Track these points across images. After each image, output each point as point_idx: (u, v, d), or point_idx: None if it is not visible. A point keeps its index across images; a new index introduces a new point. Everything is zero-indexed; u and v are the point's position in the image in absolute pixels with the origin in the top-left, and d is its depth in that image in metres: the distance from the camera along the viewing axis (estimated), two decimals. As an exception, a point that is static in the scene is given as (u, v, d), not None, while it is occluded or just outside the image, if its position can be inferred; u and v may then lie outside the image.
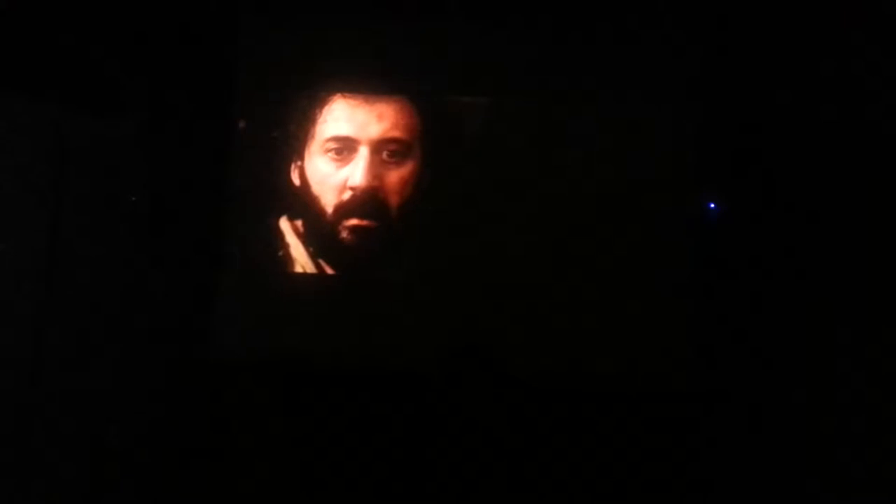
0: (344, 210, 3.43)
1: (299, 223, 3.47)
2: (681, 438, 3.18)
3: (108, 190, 3.37)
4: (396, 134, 3.43)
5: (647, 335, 3.29)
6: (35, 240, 3.26)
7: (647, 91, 3.39)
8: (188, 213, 3.42)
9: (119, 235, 3.37)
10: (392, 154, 3.42)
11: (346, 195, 3.43)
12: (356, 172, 3.42)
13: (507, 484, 3.09)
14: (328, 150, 3.46)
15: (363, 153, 3.43)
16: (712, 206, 3.32)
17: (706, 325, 3.25)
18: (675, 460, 3.16)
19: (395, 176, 3.42)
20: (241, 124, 3.51)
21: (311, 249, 3.46)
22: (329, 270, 3.46)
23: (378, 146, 3.42)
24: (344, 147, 3.45)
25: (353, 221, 3.42)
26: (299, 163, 3.49)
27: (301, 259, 3.46)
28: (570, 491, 3.15)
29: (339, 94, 3.48)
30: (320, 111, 3.49)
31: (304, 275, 3.45)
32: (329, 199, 3.44)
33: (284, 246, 3.46)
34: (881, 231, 3.01)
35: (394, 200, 3.42)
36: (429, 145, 3.45)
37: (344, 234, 3.43)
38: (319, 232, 3.45)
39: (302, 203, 3.47)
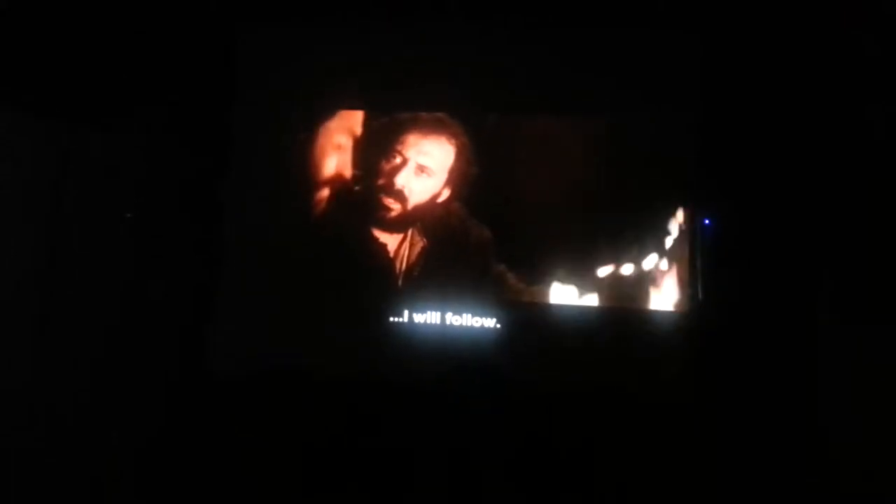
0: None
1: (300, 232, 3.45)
2: (682, 447, 3.09)
3: (108, 201, 3.36)
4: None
5: (649, 344, 3.24)
6: (34, 250, 3.24)
7: (647, 94, 3.37)
8: (187, 224, 3.40)
9: (118, 246, 3.35)
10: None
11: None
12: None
13: (510, 494, 3.01)
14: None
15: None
16: (707, 222, 3.30)
17: (706, 332, 3.20)
18: (676, 468, 3.06)
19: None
20: (241, 134, 3.52)
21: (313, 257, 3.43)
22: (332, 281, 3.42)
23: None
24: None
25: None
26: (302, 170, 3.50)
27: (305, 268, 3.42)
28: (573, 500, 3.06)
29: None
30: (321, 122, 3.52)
31: (307, 285, 3.40)
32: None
33: (285, 255, 3.43)
34: (881, 234, 3.02)
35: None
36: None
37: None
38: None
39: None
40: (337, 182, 3.47)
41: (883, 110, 3.03)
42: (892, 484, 2.79)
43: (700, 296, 3.25)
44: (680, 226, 3.30)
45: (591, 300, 3.30)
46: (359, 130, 3.49)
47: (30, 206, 3.27)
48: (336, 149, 3.49)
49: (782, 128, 3.21)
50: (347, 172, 3.47)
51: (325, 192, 3.46)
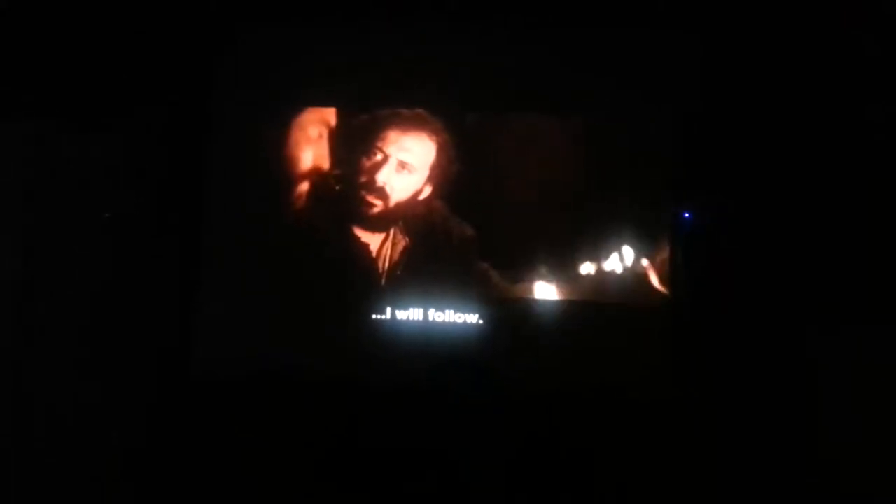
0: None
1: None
2: (667, 440, 3.15)
3: (88, 203, 3.31)
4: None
5: (633, 339, 3.26)
6: (12, 257, 3.24)
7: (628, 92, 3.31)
8: (168, 228, 3.36)
9: (99, 249, 3.32)
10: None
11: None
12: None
13: (494, 491, 3.07)
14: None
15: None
16: (686, 215, 3.28)
17: (690, 326, 3.22)
18: (663, 463, 3.13)
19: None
20: (218, 135, 3.42)
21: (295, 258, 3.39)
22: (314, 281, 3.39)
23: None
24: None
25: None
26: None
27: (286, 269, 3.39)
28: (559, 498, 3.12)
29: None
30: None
31: (289, 286, 3.37)
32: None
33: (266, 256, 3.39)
34: (870, 235, 3.04)
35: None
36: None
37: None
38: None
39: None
40: (315, 177, 3.38)
41: (883, 110, 2.95)
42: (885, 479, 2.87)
43: (683, 290, 3.25)
44: (663, 220, 3.29)
45: (575, 296, 3.30)
46: (333, 121, 3.40)
47: (7, 208, 3.26)
48: (311, 142, 3.40)
49: (773, 124, 3.15)
50: (325, 167, 3.39)
51: (304, 189, 3.39)
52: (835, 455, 3.01)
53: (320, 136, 3.42)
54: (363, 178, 3.35)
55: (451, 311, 3.33)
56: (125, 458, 3.20)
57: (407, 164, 3.35)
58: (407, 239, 3.35)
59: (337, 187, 3.38)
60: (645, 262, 3.29)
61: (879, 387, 2.98)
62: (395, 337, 3.33)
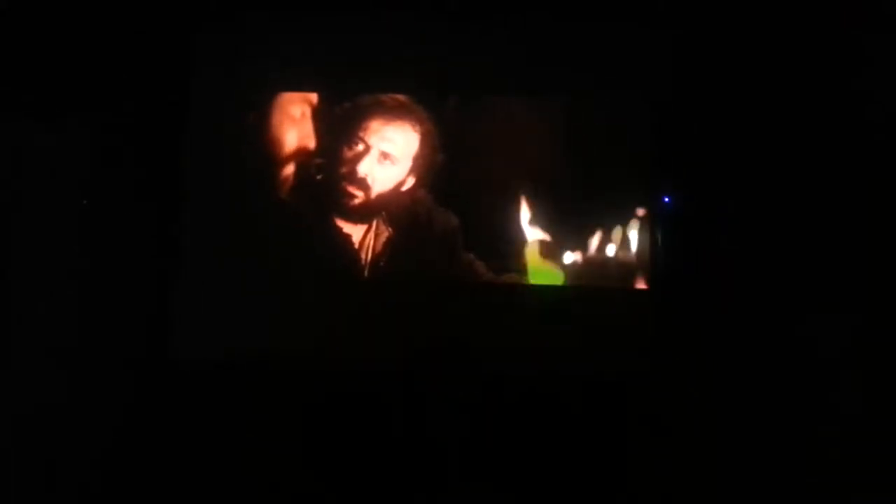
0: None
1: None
2: (647, 423, 3.20)
3: (66, 190, 3.28)
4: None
5: (616, 322, 3.28)
6: None
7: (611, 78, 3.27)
8: (143, 216, 3.32)
9: (72, 240, 3.30)
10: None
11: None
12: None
13: (482, 478, 3.17)
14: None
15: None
16: (666, 199, 3.29)
17: (671, 310, 3.25)
18: (644, 447, 3.18)
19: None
20: (196, 125, 3.35)
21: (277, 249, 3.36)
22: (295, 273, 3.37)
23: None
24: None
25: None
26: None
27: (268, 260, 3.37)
28: (545, 483, 3.19)
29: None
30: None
31: (270, 277, 3.35)
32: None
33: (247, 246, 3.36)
34: (845, 224, 3.06)
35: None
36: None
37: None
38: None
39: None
40: (297, 163, 3.32)
41: (883, 110, 2.87)
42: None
43: (665, 273, 3.27)
44: (644, 205, 3.28)
45: (557, 281, 3.30)
46: (314, 102, 3.33)
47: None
48: (294, 123, 3.33)
49: (759, 112, 3.13)
50: (307, 152, 3.32)
51: (285, 176, 3.32)
52: (801, 425, 3.07)
53: (303, 115, 3.34)
54: (344, 169, 3.29)
55: (434, 296, 3.31)
56: (104, 445, 3.21)
57: (389, 156, 3.28)
58: (390, 230, 3.31)
59: (318, 177, 3.31)
60: (628, 246, 3.28)
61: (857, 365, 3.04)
62: (377, 323, 3.30)
